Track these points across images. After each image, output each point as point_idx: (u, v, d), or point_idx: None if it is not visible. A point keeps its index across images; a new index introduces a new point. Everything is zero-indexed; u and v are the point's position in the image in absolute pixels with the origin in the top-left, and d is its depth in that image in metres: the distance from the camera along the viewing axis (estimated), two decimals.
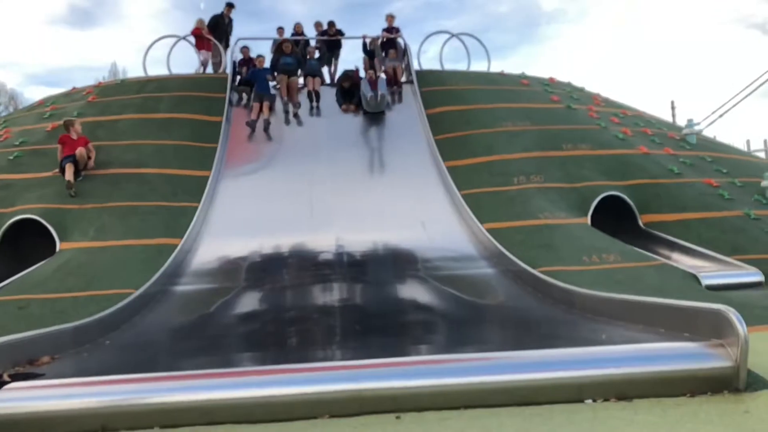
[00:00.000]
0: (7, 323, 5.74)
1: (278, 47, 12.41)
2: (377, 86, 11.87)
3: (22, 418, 3.29)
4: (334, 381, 3.42)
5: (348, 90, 12.08)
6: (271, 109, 11.27)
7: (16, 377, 3.67)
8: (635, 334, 4.20)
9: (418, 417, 3.23)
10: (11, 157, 9.82)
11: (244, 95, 12.39)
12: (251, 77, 11.62)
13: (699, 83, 54.13)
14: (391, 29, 14.19)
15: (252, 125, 10.96)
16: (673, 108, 28.23)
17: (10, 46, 49.91)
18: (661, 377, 3.39)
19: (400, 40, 14.11)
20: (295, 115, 11.79)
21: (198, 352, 4.80)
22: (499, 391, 3.36)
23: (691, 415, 3.02)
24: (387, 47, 13.83)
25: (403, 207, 9.31)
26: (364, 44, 14.03)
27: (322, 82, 12.84)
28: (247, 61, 13.01)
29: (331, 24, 14.34)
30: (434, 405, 3.32)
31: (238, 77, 12.80)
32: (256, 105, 11.14)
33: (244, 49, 13.34)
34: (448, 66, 14.07)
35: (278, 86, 11.97)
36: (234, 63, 13.13)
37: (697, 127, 11.81)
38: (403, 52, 13.83)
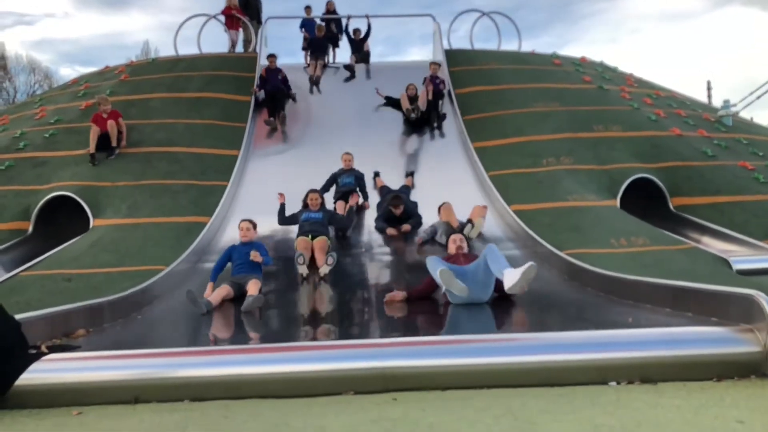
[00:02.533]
0: (44, 297, 5.91)
1: (305, 203, 7.73)
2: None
3: (59, 388, 3.41)
4: (360, 358, 3.48)
5: (399, 218, 8.14)
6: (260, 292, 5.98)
7: (53, 349, 3.79)
8: (662, 318, 4.17)
9: (441, 395, 3.27)
10: (47, 135, 10.04)
11: (272, 120, 10.99)
12: (229, 253, 6.38)
13: (737, 63, 52.65)
14: (435, 78, 11.32)
15: (204, 308, 5.41)
16: (709, 89, 27.61)
17: (45, 24, 50.69)
18: (686, 361, 3.38)
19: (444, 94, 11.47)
20: (323, 279, 6.69)
21: (226, 328, 4.90)
22: (523, 372, 3.39)
23: (716, 399, 3.01)
24: (430, 111, 10.91)
25: (430, 187, 9.29)
26: (387, 99, 11.37)
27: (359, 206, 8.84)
28: (270, 72, 11.42)
29: (356, 31, 13.78)
30: (458, 384, 3.36)
31: (261, 92, 11.42)
32: (221, 290, 5.89)
33: (271, 58, 11.53)
34: (479, 45, 13.93)
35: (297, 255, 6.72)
36: (261, 76, 11.56)
37: (733, 109, 11.52)
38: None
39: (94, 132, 9.33)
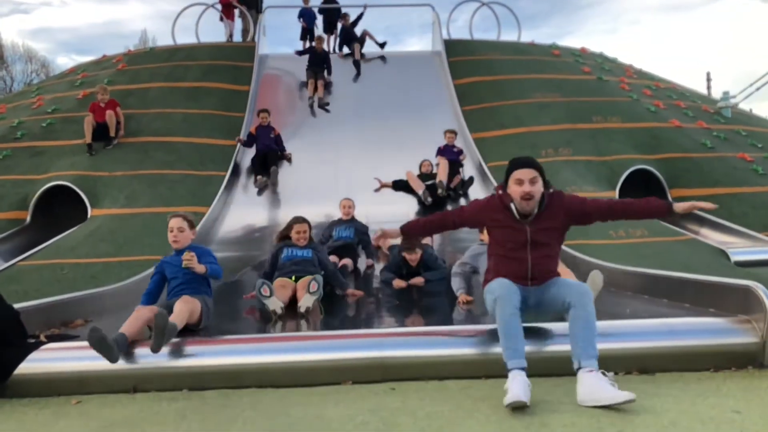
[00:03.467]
0: (42, 286, 5.91)
1: (284, 235, 5.74)
2: None
3: (58, 378, 3.42)
4: (358, 348, 3.49)
5: (413, 270, 5.94)
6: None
7: (52, 338, 3.80)
8: (660, 309, 4.18)
9: (439, 385, 3.28)
10: (44, 125, 10.00)
11: (259, 178, 9.18)
12: (161, 269, 4.45)
13: (737, 54, 52.56)
14: (451, 149, 9.12)
15: (115, 352, 3.40)
16: (708, 80, 27.59)
17: (41, 13, 50.42)
18: (683, 352, 3.39)
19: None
20: (304, 316, 4.75)
21: (225, 318, 4.89)
22: None
23: (713, 390, 3.02)
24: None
25: None
26: (398, 182, 8.99)
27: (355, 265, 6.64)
28: (262, 129, 9.64)
29: (344, 15, 13.32)
30: (456, 374, 3.37)
31: (244, 144, 9.80)
32: (142, 313, 3.76)
33: (263, 114, 9.74)
34: (478, 36, 13.89)
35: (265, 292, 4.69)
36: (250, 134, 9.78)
37: (732, 101, 11.53)
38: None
39: (88, 122, 9.29)
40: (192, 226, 4.40)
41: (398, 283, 5.80)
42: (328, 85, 11.80)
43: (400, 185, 8.90)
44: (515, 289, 3.25)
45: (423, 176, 8.76)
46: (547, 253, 3.44)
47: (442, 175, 8.59)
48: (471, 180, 9.06)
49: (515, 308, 3.14)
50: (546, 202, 3.40)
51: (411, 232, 3.76)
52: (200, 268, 4.09)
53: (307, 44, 13.84)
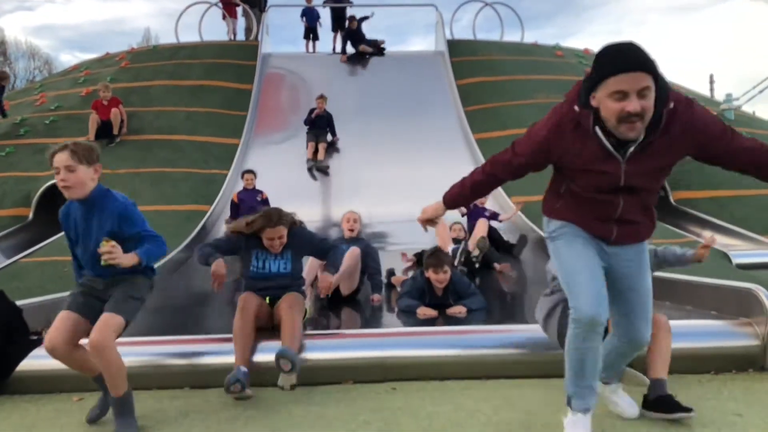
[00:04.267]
0: (45, 283, 5.91)
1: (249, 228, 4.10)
2: None
3: (60, 375, 3.41)
4: (360, 348, 3.49)
5: (440, 296, 4.68)
6: None
7: None
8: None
9: (441, 386, 3.28)
10: (47, 122, 10.02)
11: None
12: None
13: (741, 57, 52.50)
14: (477, 212, 7.19)
15: None
16: (711, 82, 27.53)
17: (45, 10, 50.51)
18: (685, 354, 3.38)
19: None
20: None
21: (226, 317, 4.90)
22: (522, 363, 3.40)
23: (714, 392, 3.03)
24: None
25: (430, 179, 9.28)
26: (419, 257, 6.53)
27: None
28: (247, 193, 8.13)
29: (351, 18, 13.30)
30: (457, 374, 3.38)
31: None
32: (66, 320, 2.94)
33: (248, 176, 8.27)
34: (481, 36, 13.93)
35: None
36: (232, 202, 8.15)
37: (735, 103, 11.50)
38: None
39: (93, 119, 9.32)
40: (89, 161, 2.86)
41: (425, 311, 4.47)
42: (332, 144, 10.40)
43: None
44: (603, 296, 2.23)
45: (453, 241, 6.85)
46: (646, 201, 2.35)
47: (481, 231, 6.61)
48: (524, 238, 7.22)
49: (599, 335, 2.19)
50: (662, 122, 2.13)
51: (456, 200, 2.56)
52: (128, 260, 2.73)
53: (310, 44, 13.88)
